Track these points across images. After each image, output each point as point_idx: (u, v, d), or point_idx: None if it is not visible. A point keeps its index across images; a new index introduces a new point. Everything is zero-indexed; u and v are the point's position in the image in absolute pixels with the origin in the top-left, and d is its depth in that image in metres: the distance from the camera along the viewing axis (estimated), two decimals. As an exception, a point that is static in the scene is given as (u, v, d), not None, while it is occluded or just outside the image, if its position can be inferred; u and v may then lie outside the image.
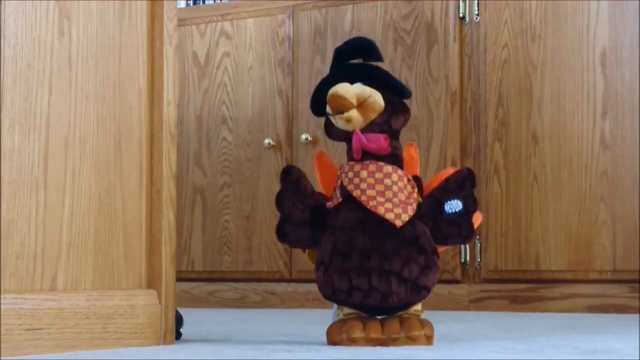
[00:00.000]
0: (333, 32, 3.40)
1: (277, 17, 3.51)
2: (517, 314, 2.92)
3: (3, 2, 1.60)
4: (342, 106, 1.80)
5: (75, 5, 1.72)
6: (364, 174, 1.79)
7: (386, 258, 1.75)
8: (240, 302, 3.48)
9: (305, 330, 2.26)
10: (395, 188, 1.79)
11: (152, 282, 1.82)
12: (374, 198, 1.77)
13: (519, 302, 3.05)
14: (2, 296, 1.55)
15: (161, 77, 1.85)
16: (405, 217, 1.77)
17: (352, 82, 1.82)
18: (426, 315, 1.83)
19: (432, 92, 3.22)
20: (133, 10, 1.83)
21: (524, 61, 3.11)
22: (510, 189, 3.10)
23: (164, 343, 1.80)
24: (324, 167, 1.89)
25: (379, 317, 1.79)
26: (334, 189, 1.83)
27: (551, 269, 3.03)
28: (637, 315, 2.79)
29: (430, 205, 1.81)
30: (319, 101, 1.87)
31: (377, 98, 1.81)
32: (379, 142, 1.80)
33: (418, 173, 1.87)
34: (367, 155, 1.81)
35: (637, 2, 2.97)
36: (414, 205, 1.80)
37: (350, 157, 1.83)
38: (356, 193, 1.78)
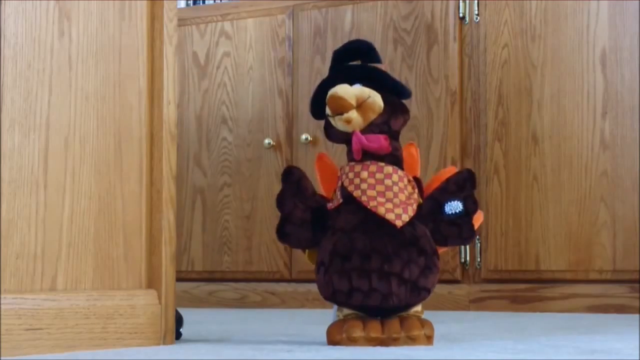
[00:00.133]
0: (333, 32, 3.40)
1: (277, 17, 3.51)
2: (517, 314, 2.92)
3: (3, 2, 1.60)
4: (341, 107, 1.80)
5: (75, 5, 1.72)
6: (364, 174, 1.79)
7: (386, 259, 1.75)
8: (240, 302, 3.48)
9: (305, 330, 2.26)
10: (395, 188, 1.79)
11: (152, 282, 1.82)
12: (375, 198, 1.78)
13: (519, 302, 3.05)
14: (2, 296, 1.55)
15: (161, 77, 1.85)
16: (406, 218, 1.77)
17: (351, 84, 1.82)
18: (426, 315, 1.83)
19: (432, 92, 3.22)
20: (133, 10, 1.83)
21: (524, 61, 3.11)
22: (510, 189, 3.10)
23: (164, 343, 1.80)
24: (324, 168, 1.89)
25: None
26: (335, 190, 1.84)
27: (551, 269, 3.03)
28: (637, 315, 2.79)
29: (430, 206, 1.82)
30: (319, 104, 1.87)
31: (376, 99, 1.81)
32: (379, 141, 1.81)
33: (418, 173, 1.87)
34: (368, 155, 1.81)
35: (637, 2, 2.97)
36: (414, 206, 1.80)
37: (351, 158, 1.83)
38: (357, 193, 1.79)
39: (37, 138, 1.64)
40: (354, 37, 3.22)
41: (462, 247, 3.12)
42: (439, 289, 3.15)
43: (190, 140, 3.63)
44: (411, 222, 1.78)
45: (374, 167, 1.80)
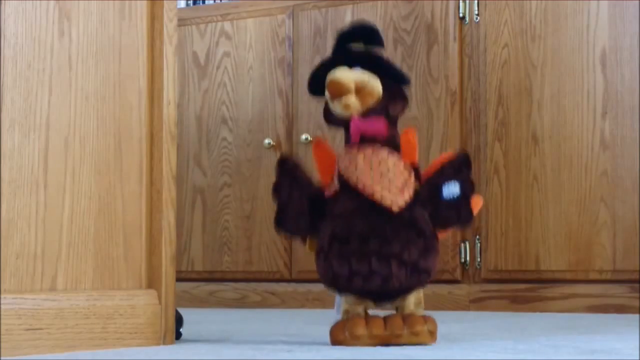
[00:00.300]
0: (333, 32, 3.40)
1: (277, 17, 3.51)
2: (517, 314, 2.92)
3: (3, 2, 1.60)
4: (340, 91, 1.80)
5: (75, 5, 1.72)
6: (360, 160, 1.79)
7: (385, 241, 1.75)
8: (240, 302, 3.48)
9: (305, 330, 2.26)
10: (391, 174, 1.79)
11: (152, 282, 1.82)
12: (371, 185, 1.78)
13: (519, 302, 3.05)
14: (2, 296, 1.55)
15: (161, 77, 1.85)
16: (402, 202, 1.77)
17: (350, 67, 1.82)
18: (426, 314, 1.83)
19: (432, 92, 3.22)
20: (133, 10, 1.83)
21: (524, 61, 3.11)
22: (510, 189, 3.10)
23: (164, 343, 1.80)
24: (322, 154, 1.89)
25: (382, 314, 1.79)
26: (333, 177, 1.84)
27: (551, 269, 3.03)
28: (637, 315, 2.79)
29: (428, 190, 1.82)
30: (317, 81, 1.87)
31: (375, 84, 1.82)
32: (377, 125, 1.81)
33: (416, 159, 1.87)
34: (365, 140, 1.81)
35: (637, 2, 2.97)
36: (411, 191, 1.80)
37: (349, 142, 1.83)
38: (353, 179, 1.79)
39: (37, 138, 1.64)
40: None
41: (462, 247, 3.12)
42: (439, 289, 3.15)
43: (190, 140, 3.63)
44: (409, 206, 1.78)
45: (369, 151, 1.80)
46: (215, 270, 3.55)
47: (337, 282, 1.78)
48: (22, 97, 1.62)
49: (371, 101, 1.82)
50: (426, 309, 1.88)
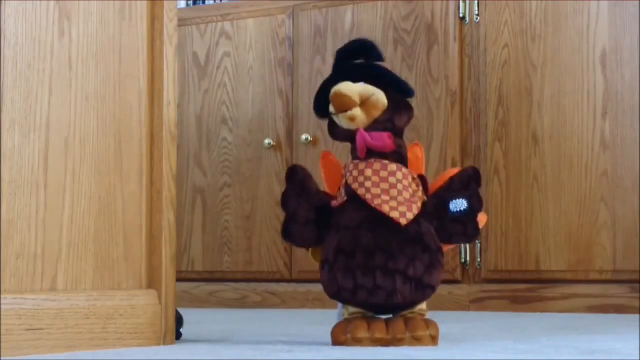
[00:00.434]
0: (333, 32, 3.40)
1: (277, 17, 3.51)
2: (517, 314, 2.92)
3: (3, 2, 1.60)
4: (345, 104, 1.80)
5: (75, 5, 1.72)
6: (368, 172, 1.79)
7: (391, 256, 1.75)
8: (240, 302, 3.48)
9: (305, 330, 2.26)
10: (399, 186, 1.79)
11: (152, 282, 1.82)
12: (379, 196, 1.77)
13: (519, 302, 3.05)
14: (2, 296, 1.55)
15: (161, 77, 1.85)
16: (410, 215, 1.77)
17: (354, 82, 1.82)
18: (426, 315, 1.83)
19: (432, 92, 3.22)
20: (133, 10, 1.83)
21: (524, 61, 3.11)
22: (510, 189, 3.10)
23: (164, 343, 1.80)
24: (329, 166, 1.89)
25: (384, 316, 1.79)
26: (339, 188, 1.84)
27: (551, 269, 3.03)
28: (637, 315, 2.79)
29: (435, 204, 1.81)
30: (322, 102, 1.87)
31: (379, 96, 1.81)
32: (383, 139, 1.80)
33: (423, 171, 1.87)
34: (371, 153, 1.81)
35: (637, 2, 2.97)
36: (419, 204, 1.80)
37: (355, 156, 1.83)
38: (360, 191, 1.78)
39: (37, 138, 1.64)
40: (354, 37, 3.21)
41: (462, 247, 3.12)
42: (439, 289, 3.14)
43: (190, 140, 3.63)
44: (415, 220, 1.78)
45: (377, 164, 1.80)
46: (215, 270, 3.55)
47: (341, 295, 1.78)
48: (22, 97, 1.62)
49: (376, 113, 1.82)
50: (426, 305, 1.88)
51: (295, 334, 2.13)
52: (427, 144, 3.19)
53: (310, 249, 1.87)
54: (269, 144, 3.47)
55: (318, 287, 3.35)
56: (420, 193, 1.81)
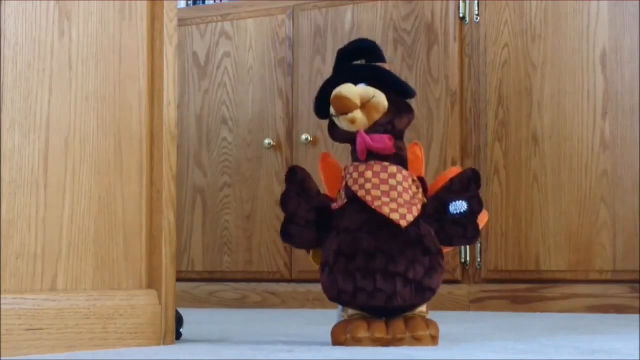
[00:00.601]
0: (333, 32, 3.40)
1: (277, 17, 3.51)
2: (517, 314, 2.92)
3: (3, 2, 1.60)
4: (345, 107, 1.80)
5: (75, 5, 1.72)
6: (368, 174, 1.79)
7: (391, 259, 1.75)
8: (240, 302, 3.48)
9: (305, 330, 2.26)
10: (400, 188, 1.79)
11: (152, 282, 1.82)
12: (379, 198, 1.77)
13: (519, 302, 3.05)
14: (2, 296, 1.55)
15: (161, 77, 1.85)
16: (410, 217, 1.77)
17: (355, 83, 1.82)
18: (426, 315, 1.83)
19: (432, 92, 3.22)
20: (133, 10, 1.83)
21: (524, 61, 3.11)
22: (510, 189, 3.10)
23: (164, 343, 1.80)
24: (328, 168, 1.89)
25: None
26: (339, 190, 1.83)
27: (551, 269, 3.03)
28: (637, 315, 2.79)
29: (434, 206, 1.81)
30: (323, 103, 1.87)
31: (380, 98, 1.81)
32: (384, 142, 1.80)
33: (423, 173, 1.87)
34: (372, 155, 1.81)
35: (637, 2, 2.97)
36: (419, 206, 1.80)
37: (355, 158, 1.83)
38: (361, 193, 1.78)
39: (37, 138, 1.64)
40: (354, 37, 3.22)
41: (462, 247, 3.12)
42: (439, 289, 3.15)
43: (190, 140, 3.63)
44: (416, 222, 1.78)
45: (378, 166, 1.80)
46: (215, 270, 3.55)
47: (341, 297, 1.78)
48: (22, 97, 1.62)
49: (377, 115, 1.82)
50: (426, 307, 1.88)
51: (295, 334, 2.13)
52: (427, 144, 3.19)
53: (311, 251, 1.87)
54: (269, 144, 3.47)
55: (318, 287, 3.34)
56: (420, 195, 1.81)
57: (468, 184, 1.82)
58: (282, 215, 1.86)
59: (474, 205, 1.81)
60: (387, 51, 3.27)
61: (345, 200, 1.81)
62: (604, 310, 2.93)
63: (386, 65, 1.89)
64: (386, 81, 1.85)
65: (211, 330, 2.24)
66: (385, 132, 1.82)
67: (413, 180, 1.82)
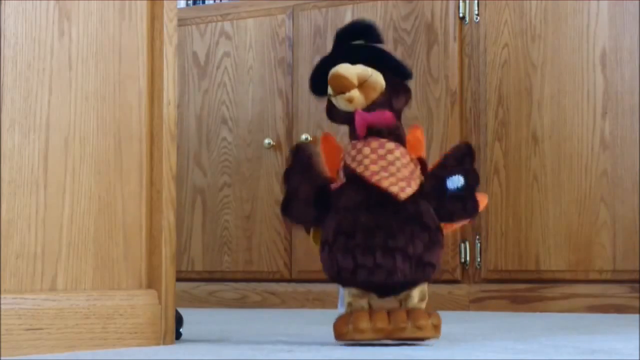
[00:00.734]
0: (333, 32, 3.38)
1: (277, 17, 3.51)
2: (517, 314, 2.92)
3: (3, 2, 1.60)
4: (343, 86, 1.80)
5: (75, 5, 1.72)
6: (366, 150, 1.79)
7: (390, 235, 1.74)
8: (240, 302, 3.48)
9: (305, 330, 2.26)
10: (398, 163, 1.79)
11: (152, 282, 1.82)
12: (378, 173, 1.77)
13: (519, 302, 3.05)
14: (2, 296, 1.55)
15: (161, 77, 1.85)
16: (409, 191, 1.77)
17: (353, 63, 1.82)
18: (426, 315, 1.83)
19: (432, 92, 3.22)
20: (133, 10, 1.83)
21: (524, 61, 3.11)
22: (510, 189, 3.10)
23: (164, 343, 1.80)
24: (329, 148, 1.89)
25: (386, 305, 1.79)
26: (338, 170, 1.83)
27: (551, 269, 3.02)
28: (637, 315, 2.79)
29: (432, 183, 1.81)
30: (319, 81, 1.86)
31: (378, 78, 1.81)
32: (383, 115, 1.80)
33: (424, 153, 1.86)
34: (371, 133, 1.81)
35: (637, 2, 2.97)
36: (417, 182, 1.79)
37: (353, 138, 1.83)
38: (360, 169, 1.78)
39: (37, 138, 1.64)
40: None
41: (462, 247, 3.12)
42: (439, 289, 3.15)
43: (190, 140, 3.63)
44: (414, 199, 1.77)
45: (375, 143, 1.80)
46: (215, 270, 3.55)
47: (341, 275, 1.78)
48: (22, 97, 1.62)
49: (375, 95, 1.82)
50: (426, 309, 1.88)
51: (295, 334, 2.13)
52: (427, 144, 3.19)
53: (311, 232, 1.86)
54: (269, 144, 3.47)
55: (318, 287, 3.36)
56: (418, 172, 1.81)
57: (463, 158, 1.82)
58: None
59: (471, 179, 1.81)
60: (387, 51, 3.27)
61: (344, 180, 1.81)
62: (604, 310, 2.93)
63: (383, 46, 1.89)
64: (384, 61, 1.85)
65: (211, 330, 2.24)
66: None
67: (411, 159, 1.81)
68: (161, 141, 1.83)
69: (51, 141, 1.66)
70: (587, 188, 3.00)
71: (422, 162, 1.83)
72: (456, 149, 1.84)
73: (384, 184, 1.76)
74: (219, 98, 3.60)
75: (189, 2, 3.84)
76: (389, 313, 1.76)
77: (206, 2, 3.79)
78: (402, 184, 1.77)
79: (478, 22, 3.18)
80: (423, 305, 1.81)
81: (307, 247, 3.19)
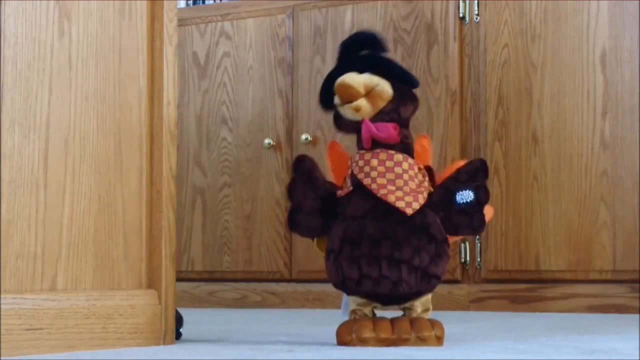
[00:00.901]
0: (333, 32, 3.40)
1: (277, 17, 3.51)
2: (517, 314, 2.92)
3: (3, 2, 1.60)
4: (350, 95, 1.79)
5: (75, 5, 1.72)
6: (374, 162, 1.79)
7: (397, 246, 1.74)
8: (240, 302, 3.48)
9: (305, 330, 2.26)
10: (405, 176, 1.78)
11: (152, 282, 1.82)
12: (385, 186, 1.77)
13: (519, 302, 3.05)
14: (2, 296, 1.55)
15: (161, 77, 1.85)
16: (416, 205, 1.77)
17: (359, 73, 1.81)
18: (426, 315, 1.83)
19: (432, 92, 3.22)
20: (133, 10, 1.83)
21: (524, 61, 3.11)
22: (510, 189, 3.10)
23: (164, 343, 1.80)
24: (336, 156, 1.89)
25: (388, 316, 1.79)
26: (345, 178, 1.83)
27: (551, 269, 3.03)
28: (637, 315, 2.79)
29: (441, 195, 1.81)
30: (327, 95, 1.86)
31: (385, 86, 1.81)
32: (389, 131, 1.80)
33: (430, 162, 1.86)
34: (377, 144, 1.81)
35: (637, 2, 2.97)
36: (425, 194, 1.79)
37: (360, 148, 1.83)
38: (366, 181, 1.78)
39: (37, 138, 1.64)
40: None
41: (462, 247, 3.12)
42: (439, 289, 3.14)
43: (190, 140, 3.63)
44: (422, 210, 1.77)
45: (383, 155, 1.79)
46: (215, 270, 3.55)
47: (346, 285, 1.78)
48: (22, 97, 1.62)
49: (382, 104, 1.81)
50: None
51: (295, 334, 2.13)
52: (427, 144, 3.19)
53: (315, 239, 1.86)
54: (269, 144, 3.47)
55: (318, 287, 3.36)
56: (426, 184, 1.81)
57: (475, 174, 1.81)
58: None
59: (480, 195, 1.80)
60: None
61: (351, 188, 1.80)
62: (604, 310, 2.93)
63: (390, 56, 1.89)
64: (390, 70, 1.84)
65: (211, 330, 2.24)
66: (390, 120, 1.82)
67: (419, 169, 1.81)
68: (161, 141, 1.83)
69: (51, 141, 1.66)
70: (587, 188, 3.00)
71: (429, 172, 1.83)
72: (470, 164, 1.83)
73: (391, 198, 1.76)
74: (219, 98, 3.60)
75: (189, 2, 3.84)
76: (393, 322, 1.76)
77: (206, 2, 3.79)
78: (409, 198, 1.77)
79: (478, 22, 3.18)
80: (427, 315, 1.81)
81: (307, 247, 3.19)
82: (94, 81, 1.75)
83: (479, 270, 3.12)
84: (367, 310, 1.80)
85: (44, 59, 1.66)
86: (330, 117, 1.90)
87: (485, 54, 3.17)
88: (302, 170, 1.83)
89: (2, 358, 1.52)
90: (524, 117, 3.10)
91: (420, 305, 1.80)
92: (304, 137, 3.39)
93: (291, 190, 1.83)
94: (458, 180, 1.81)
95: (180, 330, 1.93)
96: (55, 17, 1.68)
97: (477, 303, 3.11)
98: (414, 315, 1.79)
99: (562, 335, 2.06)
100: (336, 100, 1.83)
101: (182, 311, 2.05)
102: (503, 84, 3.14)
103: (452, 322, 2.43)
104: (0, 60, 1.59)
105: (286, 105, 3.47)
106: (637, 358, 1.54)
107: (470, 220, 1.80)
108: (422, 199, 1.78)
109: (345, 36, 3.29)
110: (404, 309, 1.81)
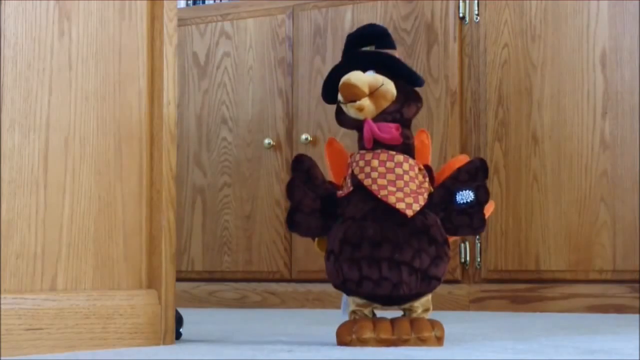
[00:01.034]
0: (333, 32, 3.40)
1: (277, 17, 3.51)
2: (517, 314, 2.92)
3: (3, 2, 1.60)
4: (354, 95, 1.79)
5: (75, 5, 1.72)
6: (375, 162, 1.78)
7: (397, 248, 1.74)
8: (240, 302, 3.48)
9: (305, 330, 2.26)
10: (406, 177, 1.78)
11: (152, 282, 1.82)
12: (385, 187, 1.77)
13: (519, 302, 3.05)
14: (2, 296, 1.55)
15: (161, 77, 1.85)
16: (417, 207, 1.77)
17: (364, 70, 1.81)
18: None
19: (432, 92, 3.22)
20: (133, 10, 1.83)
21: (524, 61, 3.11)
22: (510, 189, 3.10)
23: (164, 343, 1.80)
24: (334, 153, 1.88)
25: (388, 316, 1.79)
26: (345, 178, 1.83)
27: (551, 269, 3.03)
28: (637, 315, 2.79)
29: (441, 195, 1.81)
30: (331, 88, 1.86)
31: (389, 87, 1.81)
32: (391, 132, 1.80)
33: (429, 161, 1.86)
34: (379, 144, 1.80)
35: (637, 2, 2.97)
36: (425, 195, 1.79)
37: (362, 146, 1.83)
38: (367, 182, 1.78)
39: (37, 138, 1.64)
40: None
41: (462, 247, 3.12)
42: (439, 289, 3.14)
43: (190, 140, 3.63)
44: (422, 211, 1.77)
45: (384, 155, 1.79)
46: (215, 270, 3.55)
47: (347, 286, 1.78)
48: (22, 97, 1.62)
49: (385, 104, 1.81)
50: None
51: (295, 334, 2.13)
52: (427, 144, 3.19)
53: (316, 239, 1.86)
54: (269, 144, 3.47)
55: (318, 287, 3.36)
56: (426, 184, 1.81)
57: (476, 173, 1.81)
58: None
59: (481, 195, 1.80)
60: (387, 51, 3.27)
61: (351, 188, 1.80)
62: (604, 310, 2.93)
63: (396, 53, 1.88)
64: (395, 69, 1.84)
65: (211, 330, 2.24)
66: (393, 120, 1.81)
67: (420, 170, 1.81)
68: (161, 141, 1.83)
69: (51, 141, 1.66)
70: (587, 188, 3.00)
71: (429, 171, 1.83)
72: (470, 164, 1.83)
73: (391, 199, 1.76)
74: (219, 98, 3.60)
75: (189, 2, 3.84)
76: (393, 323, 1.75)
77: (206, 2, 3.79)
78: (409, 199, 1.77)
79: (478, 22, 3.18)
80: (427, 315, 1.81)
81: (307, 247, 3.19)
82: (94, 81, 1.75)
83: (479, 270, 3.12)
84: (367, 311, 1.80)
85: (44, 59, 1.66)
86: (330, 117, 1.90)
87: (485, 54, 3.17)
88: (301, 170, 1.83)
89: (2, 358, 1.52)
90: (524, 117, 3.10)
91: (420, 305, 1.80)
92: (304, 137, 3.39)
93: (290, 190, 1.83)
94: (458, 180, 1.81)
95: (180, 330, 1.93)
96: (55, 17, 1.68)
97: (477, 303, 3.11)
98: (414, 315, 1.79)
99: (562, 335, 2.06)
100: (340, 98, 1.82)
101: (182, 311, 2.05)
102: (503, 84, 3.14)
103: (452, 322, 2.43)
104: (0, 60, 1.59)
105: (286, 105, 3.47)
106: (637, 358, 1.54)
107: (470, 221, 1.80)
108: (422, 200, 1.78)
109: (345, 36, 3.31)
110: (404, 310, 1.81)
